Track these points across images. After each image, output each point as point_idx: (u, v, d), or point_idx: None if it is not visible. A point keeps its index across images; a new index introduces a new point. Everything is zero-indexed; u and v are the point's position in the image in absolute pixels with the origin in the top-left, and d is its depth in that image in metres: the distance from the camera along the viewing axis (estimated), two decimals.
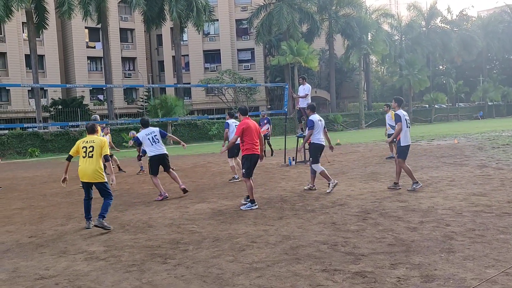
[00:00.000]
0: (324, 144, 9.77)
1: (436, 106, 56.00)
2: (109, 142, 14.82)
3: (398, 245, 5.30)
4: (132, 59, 52.87)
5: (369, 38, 47.24)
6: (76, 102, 42.67)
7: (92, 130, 7.22)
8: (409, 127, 9.13)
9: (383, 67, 67.03)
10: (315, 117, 9.57)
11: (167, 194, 9.61)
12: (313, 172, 9.66)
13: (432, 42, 54.39)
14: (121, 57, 50.88)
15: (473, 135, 23.40)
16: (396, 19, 54.82)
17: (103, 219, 6.86)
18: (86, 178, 6.96)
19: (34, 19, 34.30)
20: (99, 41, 46.98)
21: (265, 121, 17.46)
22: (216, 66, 52.37)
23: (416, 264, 4.62)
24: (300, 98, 14.60)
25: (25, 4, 32.06)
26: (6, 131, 30.01)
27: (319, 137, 9.51)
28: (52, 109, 42.34)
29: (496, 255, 4.76)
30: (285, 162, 14.83)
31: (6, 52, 43.79)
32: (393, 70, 56.98)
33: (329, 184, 9.28)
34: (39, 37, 41.26)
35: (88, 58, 49.72)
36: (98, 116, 15.66)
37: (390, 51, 49.93)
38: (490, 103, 60.80)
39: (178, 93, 40.13)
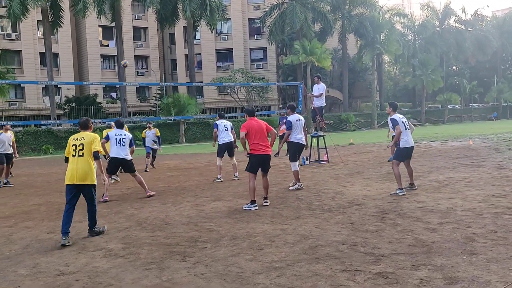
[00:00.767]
0: (304, 143, 10.12)
1: (449, 106, 55.51)
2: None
3: (418, 246, 5.25)
4: (145, 58, 53.11)
5: (382, 38, 46.95)
6: (89, 100, 43.01)
7: (85, 126, 6.61)
8: (408, 129, 9.04)
9: (396, 67, 66.58)
10: (294, 117, 9.89)
11: (107, 198, 9.54)
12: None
13: (446, 42, 53.87)
14: (134, 56, 51.11)
15: (488, 136, 23.15)
16: (409, 18, 54.40)
17: (94, 227, 6.46)
18: (76, 180, 6.20)
19: (49, 17, 34.62)
20: (113, 40, 47.29)
21: (284, 120, 17.08)
22: (229, 65, 52.43)
23: (438, 265, 4.57)
24: (314, 98, 14.55)
25: (40, 3, 32.37)
26: (21, 128, 30.32)
27: (297, 136, 9.77)
28: (66, 107, 42.71)
29: None
30: (299, 162, 14.74)
31: (21, 50, 44.21)
32: (406, 70, 56.54)
33: (296, 183, 9.81)
34: (54, 35, 41.58)
35: (102, 56, 50.04)
36: (112, 123, 15.75)
37: (403, 51, 49.58)
38: (504, 104, 60.09)
39: (191, 91, 40.25)
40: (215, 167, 12.50)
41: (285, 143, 10.06)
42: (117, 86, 43.92)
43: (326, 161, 14.97)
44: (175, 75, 55.80)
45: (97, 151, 6.36)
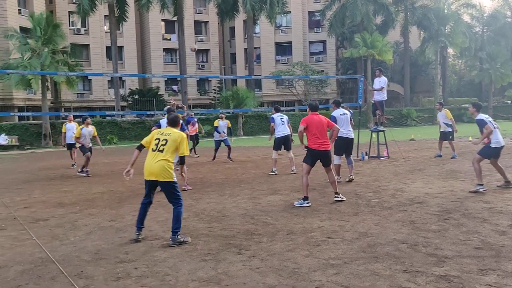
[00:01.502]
0: (351, 137, 10.16)
1: None
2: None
3: (486, 249, 4.95)
4: (206, 51, 53.89)
5: (447, 30, 44.99)
6: (151, 92, 44.30)
7: (173, 123, 6.08)
8: (497, 128, 8.50)
9: (461, 61, 63.60)
10: (338, 111, 10.01)
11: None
12: (350, 163, 10.22)
13: None
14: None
15: None
16: (478, 9, 51.71)
17: (177, 236, 5.63)
18: (152, 175, 5.78)
19: (115, 12, 35.90)
20: (175, 33, 48.34)
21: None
22: (287, 58, 52.17)
23: (508, 271, 4.28)
24: (375, 91, 14.16)
25: None
26: None
27: (342, 130, 9.62)
28: (129, 99, 44.23)
29: None
30: (357, 157, 14.44)
31: (89, 44, 46.17)
32: (472, 64, 53.79)
33: (339, 177, 9.89)
34: (119, 30, 43.10)
35: (164, 49, 51.28)
36: (170, 106, 16.08)
37: (470, 43, 47.20)
38: None
39: (249, 85, 40.47)
40: (271, 160, 12.49)
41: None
42: (178, 79, 44.88)
43: (386, 156, 14.56)
44: (234, 69, 56.27)
45: (183, 155, 6.02)
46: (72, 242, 5.97)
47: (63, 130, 15.80)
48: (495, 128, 8.44)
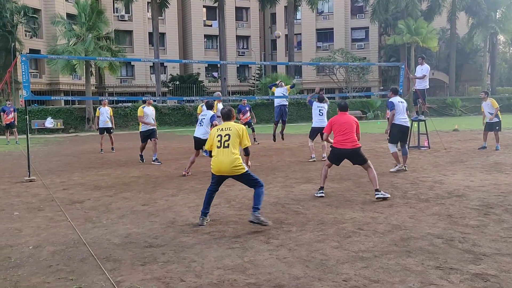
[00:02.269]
0: (408, 125, 10.20)
1: None
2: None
3: None
4: (246, 38, 53.80)
5: (498, 16, 43.02)
6: (192, 78, 44.69)
7: (228, 117, 6.09)
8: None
9: None
10: (396, 99, 9.87)
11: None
12: (405, 153, 10.04)
13: None
14: (236, 36, 52.04)
15: None
16: None
17: (258, 213, 5.65)
18: (222, 172, 5.82)
19: None
20: (216, 20, 48.45)
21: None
22: (329, 45, 51.39)
23: None
24: (417, 79, 13.70)
25: None
26: (130, 104, 32.30)
27: (400, 118, 9.74)
28: (170, 84, 44.79)
29: None
30: (396, 147, 14.01)
31: (132, 30, 46.97)
32: None
33: (397, 165, 9.86)
34: (161, 16, 43.58)
35: (205, 36, 51.53)
36: (220, 92, 16.11)
37: None
38: None
39: (289, 71, 40.12)
40: (308, 148, 12.35)
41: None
42: (218, 65, 45.05)
43: (426, 147, 14.11)
44: (274, 55, 55.96)
45: (247, 146, 6.00)
46: (104, 225, 6.06)
47: (97, 114, 15.71)
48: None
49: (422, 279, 3.95)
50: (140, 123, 12.41)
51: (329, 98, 39.40)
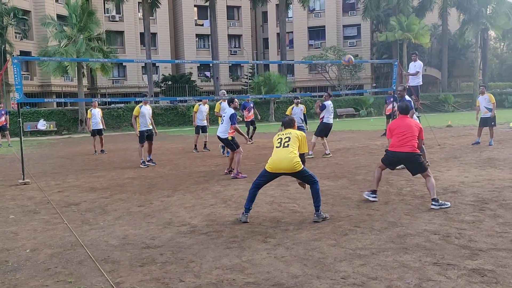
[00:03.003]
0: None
1: None
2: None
3: None
4: (238, 37, 53.76)
5: (488, 12, 43.24)
6: (184, 78, 44.58)
7: (289, 125, 6.32)
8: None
9: (503, 44, 61.27)
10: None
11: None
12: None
13: None
14: (227, 35, 51.96)
15: None
16: None
17: (320, 212, 5.90)
18: (282, 169, 5.92)
19: None
20: (207, 19, 48.38)
21: (391, 99, 15.83)
22: (321, 43, 51.45)
23: None
24: (410, 76, 13.76)
25: None
26: (122, 105, 32.19)
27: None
28: (162, 85, 44.67)
29: None
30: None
31: (123, 31, 46.78)
32: None
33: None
34: (153, 16, 43.41)
35: (197, 35, 51.44)
36: (225, 91, 16.00)
37: None
38: None
39: (282, 70, 40.14)
40: (321, 147, 12.61)
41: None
42: (211, 65, 44.99)
43: None
44: (266, 54, 55.95)
45: (303, 153, 6.12)
46: (101, 226, 6.04)
47: (88, 116, 15.65)
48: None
49: (420, 275, 3.98)
50: (137, 122, 11.88)
51: (320, 96, 39.45)
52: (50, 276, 4.33)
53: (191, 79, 45.60)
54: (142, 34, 40.76)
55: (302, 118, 12.96)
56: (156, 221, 6.21)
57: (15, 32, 37.37)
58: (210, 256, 4.71)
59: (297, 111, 12.95)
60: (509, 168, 9.28)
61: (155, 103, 34.22)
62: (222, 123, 9.95)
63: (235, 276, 4.13)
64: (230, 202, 7.24)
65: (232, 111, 9.74)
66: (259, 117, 18.38)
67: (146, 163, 11.96)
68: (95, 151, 15.46)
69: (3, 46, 32.25)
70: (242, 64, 52.64)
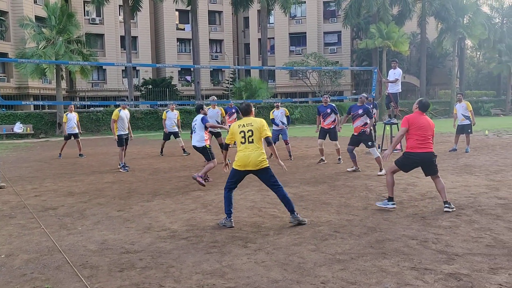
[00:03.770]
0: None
1: None
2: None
3: (498, 247, 4.82)
4: (219, 41, 53.74)
5: (465, 21, 44.16)
6: (165, 82, 44.31)
7: (246, 112, 6.13)
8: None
9: (479, 53, 62.51)
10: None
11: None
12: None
13: None
14: (209, 39, 51.90)
15: None
16: (497, 0, 50.69)
17: (296, 214, 5.97)
18: (248, 166, 5.92)
19: (129, 1, 35.85)
20: (188, 23, 48.26)
21: (371, 106, 15.77)
22: (302, 49, 51.79)
23: None
24: (389, 83, 13.96)
25: None
26: (102, 108, 31.85)
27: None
28: (143, 89, 44.32)
29: None
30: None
31: (104, 34, 46.33)
32: (491, 56, 52.79)
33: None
34: (133, 19, 43.15)
35: (178, 40, 51.23)
36: (215, 97, 15.96)
37: (489, 35, 46.22)
38: None
39: (263, 76, 40.26)
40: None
41: None
42: (192, 69, 44.87)
43: (399, 150, 14.34)
44: (248, 59, 56.06)
45: (269, 136, 6.01)
46: (80, 231, 5.96)
47: (64, 120, 15.53)
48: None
49: (398, 280, 4.03)
50: (115, 126, 11.86)
51: (301, 102, 39.47)
52: (26, 282, 4.25)
53: (172, 83, 45.37)
54: (122, 37, 40.46)
55: (283, 120, 13.41)
56: (136, 226, 6.16)
57: None
58: (190, 261, 4.69)
59: (278, 114, 13.45)
60: (485, 174, 9.47)
61: (135, 106, 33.97)
62: (194, 132, 9.41)
63: (215, 281, 4.13)
64: (211, 207, 7.22)
65: (201, 116, 9.42)
66: None
67: (126, 167, 11.88)
68: (60, 154, 15.38)
69: None
70: (223, 69, 52.64)
